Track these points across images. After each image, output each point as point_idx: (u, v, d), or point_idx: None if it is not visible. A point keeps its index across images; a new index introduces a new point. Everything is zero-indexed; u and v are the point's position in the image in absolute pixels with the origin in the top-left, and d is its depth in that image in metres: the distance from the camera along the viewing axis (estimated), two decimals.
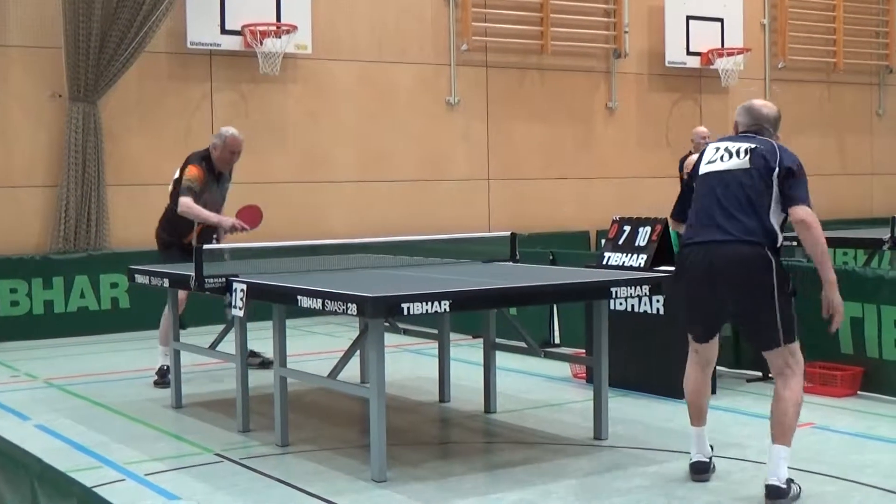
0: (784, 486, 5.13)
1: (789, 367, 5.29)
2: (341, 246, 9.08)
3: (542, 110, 15.03)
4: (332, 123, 13.55)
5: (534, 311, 9.42)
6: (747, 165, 5.34)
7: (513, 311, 8.59)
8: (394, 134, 13.95)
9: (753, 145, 5.38)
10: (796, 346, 5.32)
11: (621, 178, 15.50)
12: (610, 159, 15.59)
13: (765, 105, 5.61)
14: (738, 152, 5.40)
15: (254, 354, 9.09)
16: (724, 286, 5.29)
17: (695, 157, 8.61)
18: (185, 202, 8.49)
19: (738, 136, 5.55)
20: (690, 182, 5.65)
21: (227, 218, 8.63)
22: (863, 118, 18.06)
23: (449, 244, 9.59)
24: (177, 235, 8.73)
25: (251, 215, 8.62)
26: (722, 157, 5.43)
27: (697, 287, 5.40)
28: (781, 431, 5.19)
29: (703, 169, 5.49)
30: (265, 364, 8.84)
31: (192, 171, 8.59)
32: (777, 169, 5.27)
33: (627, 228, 8.12)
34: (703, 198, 5.44)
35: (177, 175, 8.77)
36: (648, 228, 7.99)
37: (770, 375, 8.00)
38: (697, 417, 5.62)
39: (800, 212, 5.21)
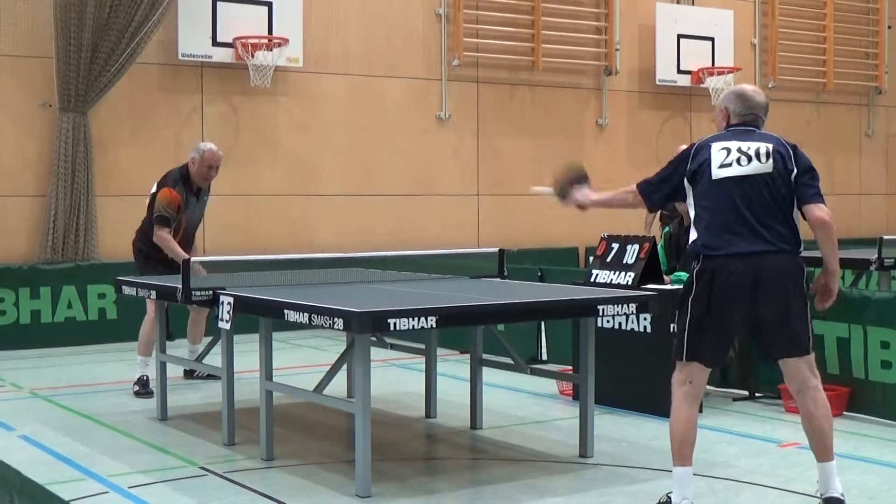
0: (843, 498, 5.16)
1: (814, 376, 5.20)
2: (329, 260, 9.08)
3: (533, 126, 15.06)
4: (323, 137, 13.55)
5: (521, 327, 9.41)
6: (770, 170, 5.09)
7: (501, 327, 8.58)
8: (384, 148, 13.95)
9: (770, 146, 5.12)
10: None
11: None
12: (600, 176, 15.36)
13: (757, 92, 5.34)
14: (757, 155, 5.10)
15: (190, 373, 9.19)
16: (765, 299, 5.03)
17: None
18: (161, 235, 8.53)
19: (741, 131, 5.22)
20: (678, 177, 5.31)
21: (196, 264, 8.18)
22: (852, 138, 18.12)
23: (437, 259, 9.59)
24: (155, 249, 8.74)
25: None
26: (739, 161, 5.09)
27: (732, 302, 5.04)
28: (825, 449, 5.19)
29: (718, 174, 5.10)
30: (212, 376, 8.85)
31: (166, 196, 8.57)
32: (795, 170, 5.11)
33: (616, 246, 8.12)
34: (723, 205, 5.08)
35: (154, 190, 8.79)
36: (637, 246, 7.99)
37: (757, 395, 8.07)
38: (689, 456, 5.16)
39: (821, 210, 5.09)
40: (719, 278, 5.06)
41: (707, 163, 5.18)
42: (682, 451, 5.16)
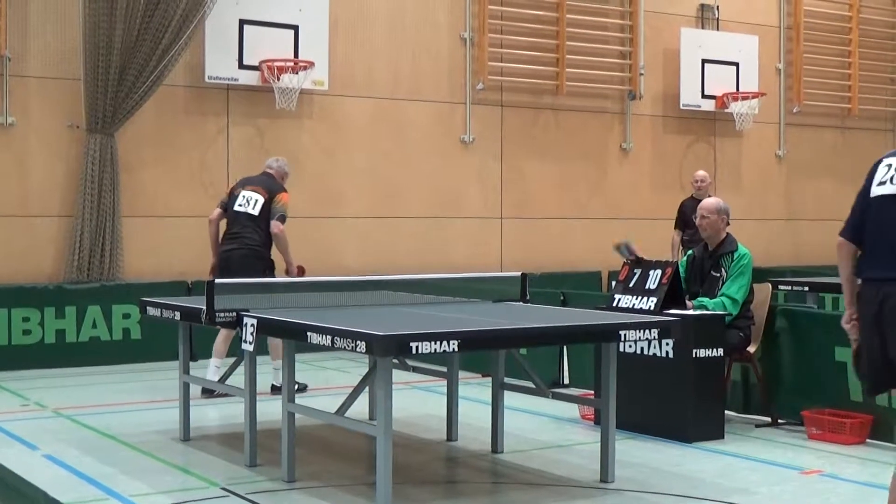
0: None
1: None
2: (353, 282, 9.10)
3: (557, 150, 15.09)
4: (347, 159, 13.62)
5: (544, 351, 9.41)
6: None
7: (523, 350, 8.58)
8: (408, 171, 14.01)
9: None
10: None
11: (634, 219, 15.49)
12: (623, 200, 15.61)
13: None
14: None
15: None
16: (890, 333, 4.56)
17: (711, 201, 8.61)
18: (284, 231, 9.44)
19: None
20: (863, 203, 4.85)
21: (296, 266, 9.54)
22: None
23: (460, 282, 9.60)
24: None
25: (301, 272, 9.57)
26: (892, 179, 4.68)
27: (867, 332, 4.66)
28: None
29: (875, 191, 4.70)
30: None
31: (287, 199, 9.60)
32: None
33: (638, 271, 8.12)
34: (875, 226, 4.68)
35: (261, 199, 9.50)
36: (659, 271, 7.99)
37: (780, 421, 8.04)
38: None
39: None
40: (859, 303, 4.72)
41: (870, 179, 4.78)
42: None
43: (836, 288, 11.75)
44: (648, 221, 15.44)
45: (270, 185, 9.58)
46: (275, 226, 9.38)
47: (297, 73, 12.76)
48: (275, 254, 9.51)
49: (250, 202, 9.50)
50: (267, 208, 9.44)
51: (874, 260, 4.68)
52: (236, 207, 9.54)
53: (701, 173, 12.98)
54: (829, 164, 17.35)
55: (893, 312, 4.58)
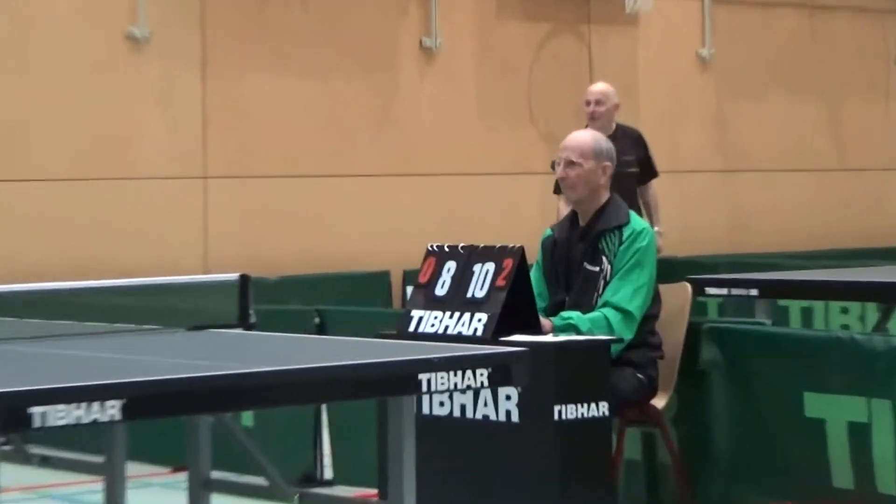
0: None
1: None
2: None
3: (304, 54, 15.15)
4: None
5: (285, 419, 9.40)
6: None
7: (246, 420, 8.53)
8: (37, 94, 13.87)
9: None
10: None
11: (448, 175, 15.64)
12: (426, 141, 15.72)
13: None
14: None
15: None
16: None
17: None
18: None
19: None
20: None
21: None
22: (873, 68, 18.61)
23: (132, 296, 9.53)
24: None
25: None
26: None
27: None
28: None
29: None
30: None
31: None
32: None
33: (453, 266, 8.15)
34: None
35: None
36: (491, 266, 8.02)
37: None
38: None
39: None
40: None
41: None
42: None
43: (803, 292, 12.05)
44: (473, 178, 15.60)
45: None
46: None
47: None
48: None
49: None
50: None
51: None
52: None
53: (599, 88, 12.81)
54: (791, 69, 17.85)
55: None
